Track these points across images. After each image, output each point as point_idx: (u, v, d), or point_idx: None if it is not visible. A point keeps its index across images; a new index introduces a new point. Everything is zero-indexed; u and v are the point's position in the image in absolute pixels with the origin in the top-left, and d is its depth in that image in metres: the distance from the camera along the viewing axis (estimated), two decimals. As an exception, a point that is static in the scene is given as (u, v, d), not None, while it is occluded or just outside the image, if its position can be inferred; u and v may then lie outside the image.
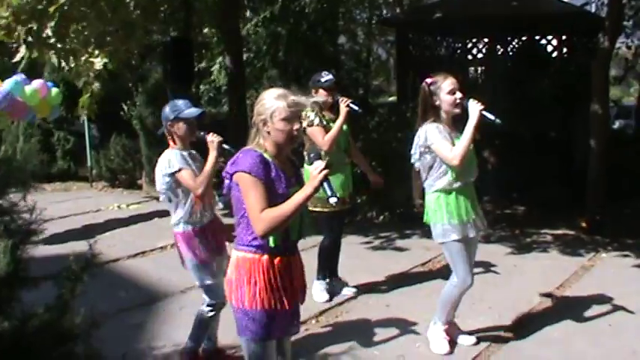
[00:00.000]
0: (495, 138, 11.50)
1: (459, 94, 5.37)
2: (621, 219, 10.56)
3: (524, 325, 6.32)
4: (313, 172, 3.52)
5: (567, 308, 6.74)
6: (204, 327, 5.34)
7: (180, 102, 5.26)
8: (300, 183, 3.80)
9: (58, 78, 13.87)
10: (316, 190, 3.52)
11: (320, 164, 3.54)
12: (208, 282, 5.21)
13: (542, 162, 11.41)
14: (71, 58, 8.58)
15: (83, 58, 8.70)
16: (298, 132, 3.75)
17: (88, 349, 2.81)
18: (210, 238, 5.26)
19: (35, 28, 7.79)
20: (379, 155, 10.79)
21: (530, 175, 11.43)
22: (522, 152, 11.52)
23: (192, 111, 5.21)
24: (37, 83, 10.03)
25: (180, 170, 5.08)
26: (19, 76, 9.47)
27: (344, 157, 7.01)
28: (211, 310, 5.26)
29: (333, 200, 3.58)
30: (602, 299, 6.86)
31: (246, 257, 3.68)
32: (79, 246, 3.11)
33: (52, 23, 7.69)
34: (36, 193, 2.85)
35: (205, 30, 15.91)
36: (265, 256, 3.66)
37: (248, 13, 17.68)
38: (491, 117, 5.30)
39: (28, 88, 9.61)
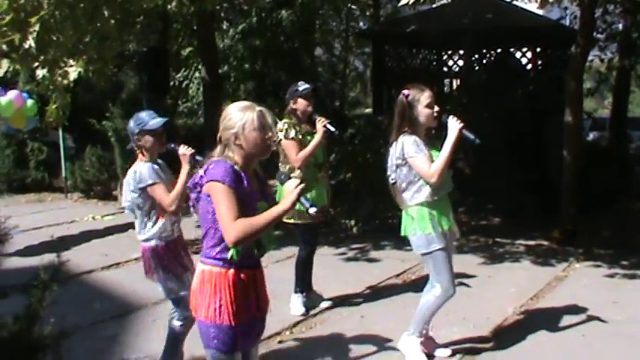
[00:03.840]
0: (470, 149, 11.57)
1: (436, 107, 5.36)
2: (594, 230, 10.63)
3: (498, 336, 6.34)
4: (289, 188, 3.55)
5: (541, 319, 6.77)
6: (178, 342, 5.26)
7: (143, 114, 5.17)
8: (265, 198, 3.79)
9: (33, 88, 13.82)
10: (293, 205, 3.55)
11: (295, 181, 3.59)
12: (182, 293, 5.10)
13: (517, 173, 11.48)
14: (56, 69, 8.53)
15: (59, 69, 8.65)
16: (271, 140, 3.74)
17: (58, 360, 2.79)
18: (181, 252, 5.23)
19: (17, 39, 7.73)
20: (353, 166, 10.82)
21: (505, 186, 11.50)
22: (497, 163, 11.59)
23: (156, 122, 5.08)
24: (12, 94, 9.97)
25: (153, 184, 5.00)
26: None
27: (317, 171, 6.91)
28: (183, 325, 5.18)
29: (312, 210, 3.62)
30: (575, 310, 6.89)
31: (212, 271, 3.65)
32: (50, 257, 3.09)
33: (35, 34, 7.64)
34: (10, 203, 2.83)
35: (180, 40, 15.89)
36: (231, 270, 3.64)
37: (225, 26, 17.69)
38: (472, 136, 5.31)
39: (4, 100, 9.56)
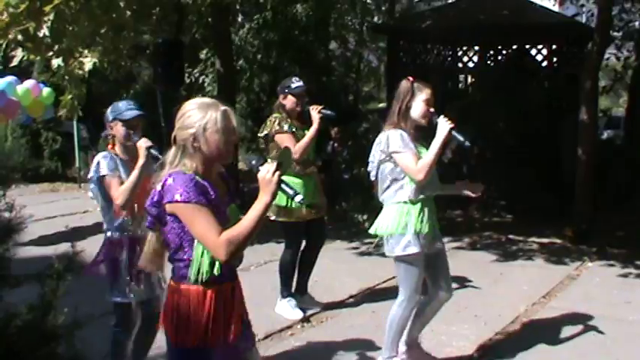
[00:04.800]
0: (484, 146, 11.54)
1: (431, 108, 5.12)
2: (608, 228, 10.58)
3: (510, 334, 6.33)
4: (266, 176, 3.14)
5: (553, 317, 6.75)
6: (120, 348, 5.05)
7: (121, 103, 4.99)
8: (234, 199, 3.51)
9: (48, 79, 13.85)
10: (274, 195, 3.15)
11: (270, 167, 3.17)
12: (121, 300, 4.90)
13: (531, 170, 11.45)
14: (70, 59, 8.53)
15: (74, 60, 8.65)
16: (233, 145, 3.39)
17: (71, 350, 2.79)
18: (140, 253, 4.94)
19: (32, 28, 7.74)
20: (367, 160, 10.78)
21: (519, 183, 11.46)
22: (511, 160, 11.56)
23: (131, 113, 4.87)
24: (29, 83, 10.00)
25: (105, 176, 4.77)
26: (10, 78, 9.45)
27: (310, 165, 6.78)
28: (121, 332, 4.99)
29: (299, 198, 3.29)
30: (587, 309, 6.87)
31: (190, 289, 3.30)
32: (65, 247, 3.09)
33: (49, 23, 7.64)
34: (24, 192, 2.82)
35: (194, 32, 15.89)
36: (210, 287, 3.29)
37: (240, 19, 17.69)
38: (461, 138, 5.04)
39: (21, 88, 9.58)
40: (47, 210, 12.14)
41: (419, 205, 5.12)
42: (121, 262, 4.89)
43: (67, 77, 8.79)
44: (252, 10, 16.97)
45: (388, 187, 5.18)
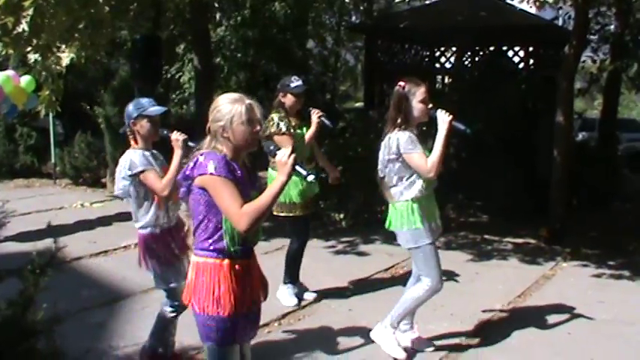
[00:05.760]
0: (461, 147, 11.59)
1: (429, 104, 5.39)
2: (582, 229, 10.67)
3: (486, 333, 6.37)
4: (282, 159, 3.56)
5: (528, 316, 6.81)
6: (164, 327, 5.29)
7: (144, 100, 5.17)
8: (255, 188, 3.78)
9: (23, 73, 13.76)
10: (290, 175, 3.57)
11: (286, 151, 3.61)
12: (172, 285, 5.12)
13: (507, 171, 11.51)
14: (48, 54, 8.48)
15: (52, 55, 8.60)
16: (258, 134, 3.75)
17: (51, 346, 2.79)
18: (175, 240, 5.20)
19: (10, 23, 7.68)
20: (344, 159, 10.81)
21: (494, 184, 11.53)
22: (487, 161, 11.62)
23: (157, 109, 5.10)
24: (8, 72, 9.95)
25: (144, 171, 4.98)
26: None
27: (310, 162, 6.95)
28: (173, 312, 5.21)
29: (311, 178, 3.81)
30: (562, 308, 6.94)
31: (207, 262, 3.65)
32: (42, 243, 3.08)
33: (28, 18, 7.59)
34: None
35: (172, 28, 15.85)
36: (226, 261, 3.64)
37: (218, 16, 17.67)
38: (462, 127, 5.36)
39: (1, 74, 9.53)
40: (22, 206, 12.03)
41: (424, 200, 5.41)
42: (162, 253, 5.13)
43: (44, 73, 8.75)
44: (231, 7, 16.96)
45: (394, 185, 5.43)
